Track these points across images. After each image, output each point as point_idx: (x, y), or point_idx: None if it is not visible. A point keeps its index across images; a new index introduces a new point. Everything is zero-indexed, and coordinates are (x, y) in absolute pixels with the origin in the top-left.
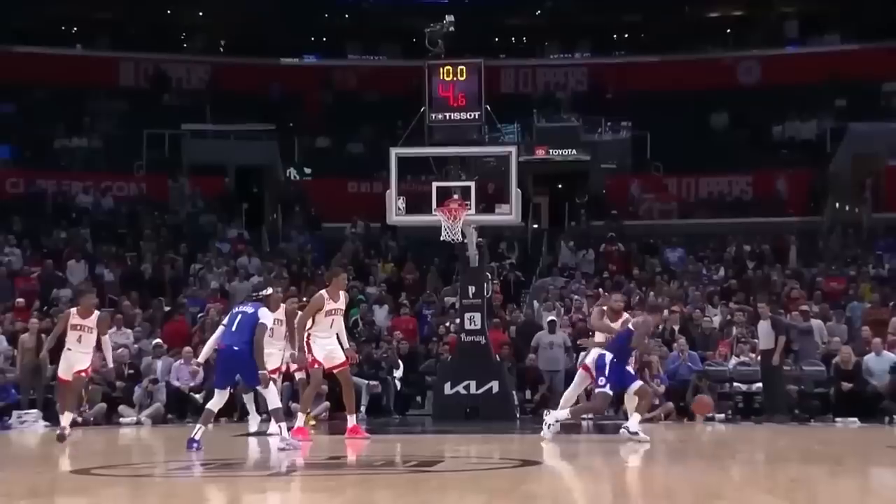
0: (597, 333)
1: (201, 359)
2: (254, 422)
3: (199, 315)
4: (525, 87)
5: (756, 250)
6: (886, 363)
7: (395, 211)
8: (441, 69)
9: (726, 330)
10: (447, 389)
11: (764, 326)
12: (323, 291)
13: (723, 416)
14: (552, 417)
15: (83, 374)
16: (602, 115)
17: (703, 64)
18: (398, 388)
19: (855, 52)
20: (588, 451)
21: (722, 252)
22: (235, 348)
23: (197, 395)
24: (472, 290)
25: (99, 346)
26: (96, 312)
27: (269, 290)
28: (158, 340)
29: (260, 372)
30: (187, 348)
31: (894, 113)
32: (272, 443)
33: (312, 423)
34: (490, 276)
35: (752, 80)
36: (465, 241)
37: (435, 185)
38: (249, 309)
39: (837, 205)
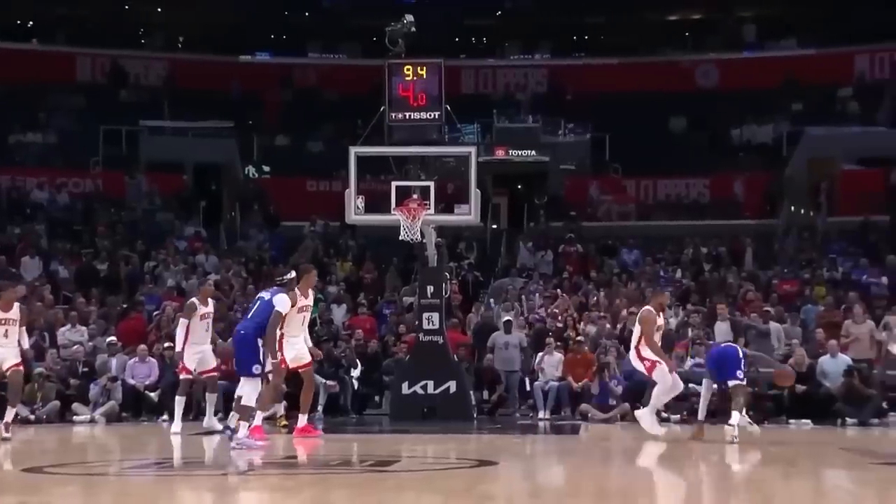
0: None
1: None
2: (210, 422)
3: (154, 313)
4: (485, 87)
5: (713, 252)
6: (842, 365)
7: (354, 210)
8: (401, 68)
9: (682, 331)
10: (405, 389)
11: (721, 327)
12: (295, 288)
13: (678, 417)
14: (736, 429)
15: (19, 367)
16: (562, 117)
17: (663, 67)
18: (356, 387)
19: (811, 56)
20: (544, 451)
21: (679, 254)
22: (242, 332)
23: (152, 394)
24: (430, 289)
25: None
26: (17, 304)
27: (293, 274)
28: (113, 338)
29: (271, 360)
30: (142, 346)
31: (850, 117)
32: (227, 441)
33: (284, 423)
34: (448, 276)
35: (711, 83)
36: (424, 240)
37: (394, 184)
38: (267, 295)
39: (793, 208)
